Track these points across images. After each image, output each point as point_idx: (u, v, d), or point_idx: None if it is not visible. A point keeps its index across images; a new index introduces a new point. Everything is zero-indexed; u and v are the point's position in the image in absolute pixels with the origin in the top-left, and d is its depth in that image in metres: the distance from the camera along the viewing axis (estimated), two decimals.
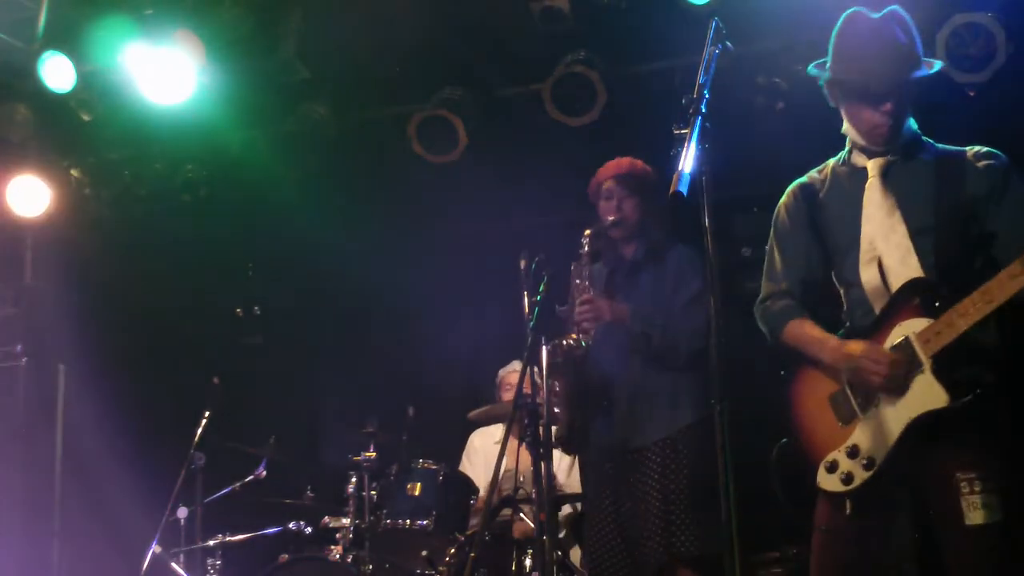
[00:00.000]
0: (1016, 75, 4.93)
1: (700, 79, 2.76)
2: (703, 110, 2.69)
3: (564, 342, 4.11)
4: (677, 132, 2.69)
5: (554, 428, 4.18)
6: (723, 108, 2.75)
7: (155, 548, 5.10)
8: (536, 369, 4.05)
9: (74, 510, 6.49)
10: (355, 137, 6.17)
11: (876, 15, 3.12)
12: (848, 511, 3.00)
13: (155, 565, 5.08)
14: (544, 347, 4.05)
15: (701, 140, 2.65)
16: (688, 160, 2.61)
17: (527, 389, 4.04)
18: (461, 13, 5.46)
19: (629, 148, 4.57)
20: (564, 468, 5.47)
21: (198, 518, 5.45)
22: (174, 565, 5.22)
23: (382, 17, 5.45)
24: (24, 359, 6.39)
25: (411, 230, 6.90)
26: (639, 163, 4.41)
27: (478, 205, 6.35)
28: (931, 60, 3.17)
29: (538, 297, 4.07)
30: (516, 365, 5.76)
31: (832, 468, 3.03)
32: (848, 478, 2.99)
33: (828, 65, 3.18)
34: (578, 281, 4.25)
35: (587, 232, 4.29)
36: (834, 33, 3.18)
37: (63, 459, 6.47)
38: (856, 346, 3.02)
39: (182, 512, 5.34)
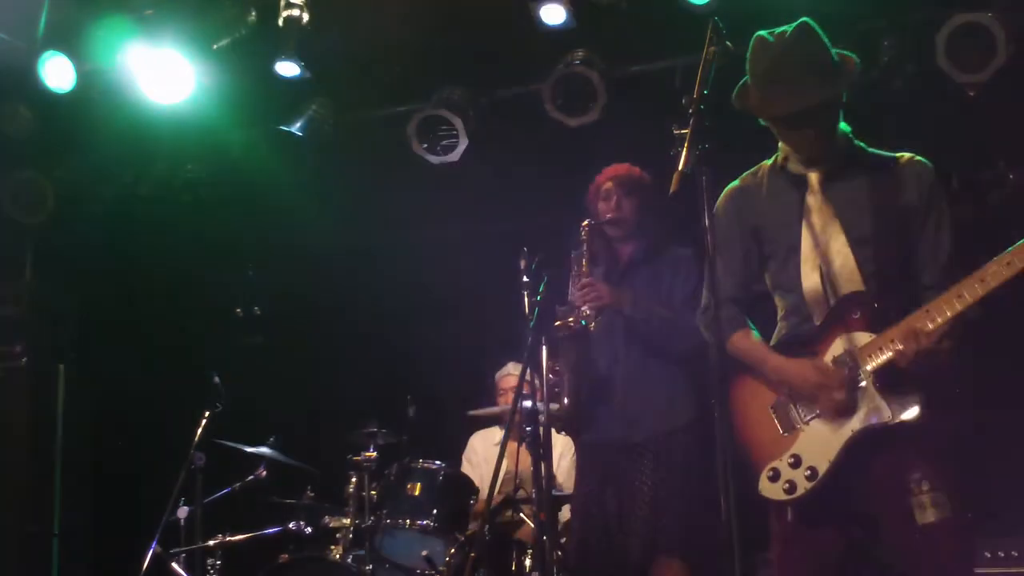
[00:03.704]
0: (1016, 75, 4.93)
1: (700, 79, 2.76)
2: (703, 110, 2.69)
3: (563, 320, 4.17)
4: (677, 132, 2.70)
5: (555, 407, 4.21)
6: (723, 108, 2.75)
7: (155, 548, 5.10)
8: (535, 370, 4.06)
9: (74, 510, 6.49)
10: (355, 137, 6.17)
11: (784, 34, 3.00)
12: (790, 519, 3.02)
13: (155, 565, 5.08)
14: (544, 346, 4.07)
15: (701, 140, 2.66)
16: (688, 160, 2.62)
17: (527, 389, 4.05)
18: (461, 13, 5.46)
19: (629, 148, 4.57)
20: (563, 468, 5.47)
21: (198, 518, 5.44)
22: (174, 565, 5.22)
23: (382, 17, 5.45)
24: (24, 359, 6.39)
25: (411, 230, 6.90)
26: (637, 169, 4.49)
27: (478, 205, 6.35)
28: (847, 55, 3.08)
29: (538, 297, 4.08)
30: (511, 367, 5.78)
31: (774, 477, 3.04)
32: (791, 487, 3.01)
33: (748, 91, 3.11)
34: (577, 268, 4.30)
35: (584, 223, 4.35)
36: (747, 57, 3.10)
37: (63, 459, 6.47)
38: (801, 367, 3.02)
39: (182, 512, 5.33)
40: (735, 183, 3.32)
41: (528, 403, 4.05)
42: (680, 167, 2.63)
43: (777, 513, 3.08)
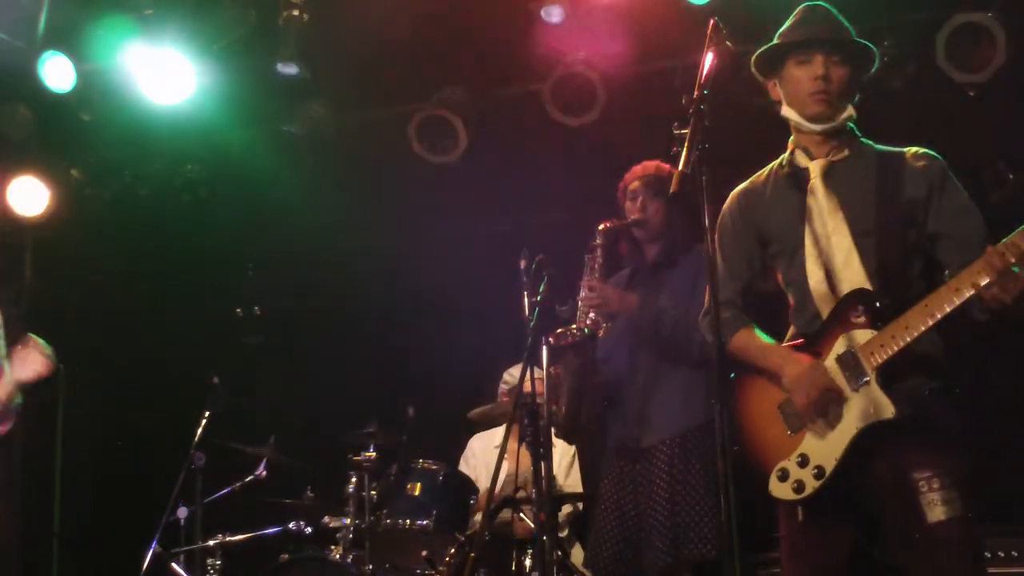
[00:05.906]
0: (1016, 75, 4.93)
1: (700, 79, 2.76)
2: (703, 110, 2.69)
3: (566, 330, 4.13)
4: (677, 132, 2.70)
5: (554, 412, 4.19)
6: (723, 108, 2.75)
7: (155, 548, 5.10)
8: (536, 369, 4.06)
9: (74, 510, 6.49)
10: (355, 137, 6.17)
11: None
12: (800, 518, 3.01)
13: (155, 565, 5.08)
14: (545, 344, 4.06)
15: (701, 140, 2.66)
16: (688, 160, 2.62)
17: (527, 389, 4.05)
18: (461, 13, 5.46)
19: (629, 148, 4.57)
20: (563, 467, 5.47)
21: (198, 518, 5.44)
22: (174, 565, 5.22)
23: (382, 17, 5.46)
24: None
25: (411, 230, 6.89)
26: (666, 167, 4.39)
27: (478, 205, 6.35)
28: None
29: (538, 297, 4.07)
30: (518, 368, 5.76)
31: (783, 477, 3.03)
32: (799, 487, 2.99)
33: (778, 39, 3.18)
34: (588, 272, 4.26)
35: (602, 226, 4.31)
36: (780, 32, 3.19)
37: (63, 459, 6.47)
38: (792, 368, 3.02)
39: (182, 512, 5.34)
40: (743, 185, 3.32)
41: (528, 403, 4.05)
42: (680, 167, 2.64)
43: (787, 514, 3.06)
